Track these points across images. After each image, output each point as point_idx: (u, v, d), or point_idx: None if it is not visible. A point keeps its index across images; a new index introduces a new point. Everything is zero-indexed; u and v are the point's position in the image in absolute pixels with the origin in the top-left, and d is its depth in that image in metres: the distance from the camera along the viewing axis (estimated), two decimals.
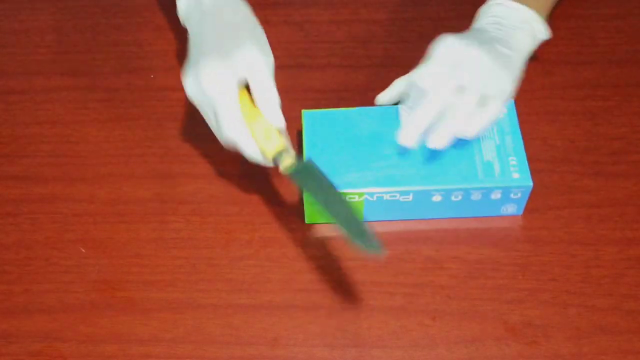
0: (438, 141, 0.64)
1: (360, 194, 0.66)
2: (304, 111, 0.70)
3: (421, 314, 0.65)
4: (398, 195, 0.66)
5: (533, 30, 0.71)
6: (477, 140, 0.68)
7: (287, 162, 0.61)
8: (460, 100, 0.64)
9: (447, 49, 0.66)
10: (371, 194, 0.66)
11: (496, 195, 0.67)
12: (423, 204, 0.67)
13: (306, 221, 0.70)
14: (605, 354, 0.63)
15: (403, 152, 0.67)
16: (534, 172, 0.73)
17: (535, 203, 0.70)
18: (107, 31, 0.86)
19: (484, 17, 0.72)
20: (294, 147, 0.72)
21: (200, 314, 0.66)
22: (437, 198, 0.67)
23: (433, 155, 0.67)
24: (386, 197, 0.66)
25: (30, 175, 0.74)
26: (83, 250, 0.69)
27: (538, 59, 0.81)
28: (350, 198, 0.66)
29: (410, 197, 0.66)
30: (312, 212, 0.68)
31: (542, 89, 0.79)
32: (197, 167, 0.74)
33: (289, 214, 0.71)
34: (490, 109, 0.65)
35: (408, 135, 0.64)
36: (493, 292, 0.66)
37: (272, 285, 0.67)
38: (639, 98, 0.78)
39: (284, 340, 0.64)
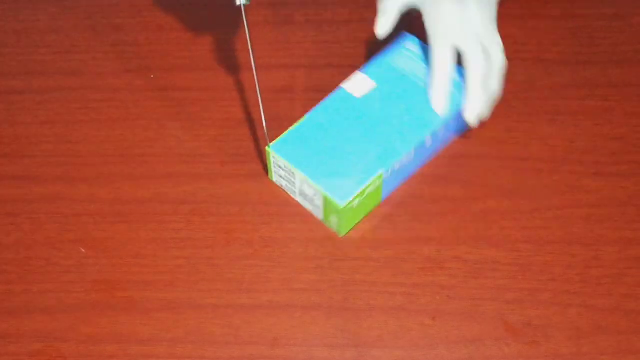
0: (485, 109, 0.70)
1: (379, 176, 0.67)
2: (269, 147, 0.69)
3: (421, 314, 0.65)
4: (403, 158, 0.69)
5: None
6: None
7: None
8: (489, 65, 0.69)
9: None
10: (387, 170, 0.68)
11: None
12: (419, 154, 0.71)
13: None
14: (605, 354, 0.63)
15: (381, 127, 0.70)
16: (534, 172, 0.73)
17: (535, 203, 0.71)
18: (107, 31, 0.86)
19: None
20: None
21: (200, 314, 0.66)
22: (428, 142, 0.70)
23: (404, 112, 0.71)
24: (397, 166, 0.69)
25: (30, 175, 0.74)
26: (83, 250, 0.69)
27: (538, 59, 0.81)
28: (371, 185, 0.67)
29: (413, 153, 0.70)
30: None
31: (542, 89, 0.79)
32: (197, 167, 0.74)
33: (289, 214, 0.71)
34: (497, 60, 0.69)
35: (476, 108, 0.70)
36: (493, 292, 0.66)
37: (272, 285, 0.67)
38: (639, 98, 0.78)
39: (284, 340, 0.64)
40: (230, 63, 0.82)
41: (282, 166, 0.69)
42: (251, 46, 0.67)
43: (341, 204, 0.65)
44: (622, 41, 0.83)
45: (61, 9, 0.88)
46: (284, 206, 0.71)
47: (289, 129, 0.70)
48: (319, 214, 0.69)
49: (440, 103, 0.71)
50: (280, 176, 0.70)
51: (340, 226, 0.68)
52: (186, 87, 0.80)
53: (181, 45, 0.84)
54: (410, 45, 0.76)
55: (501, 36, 0.82)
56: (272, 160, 0.69)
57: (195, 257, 0.69)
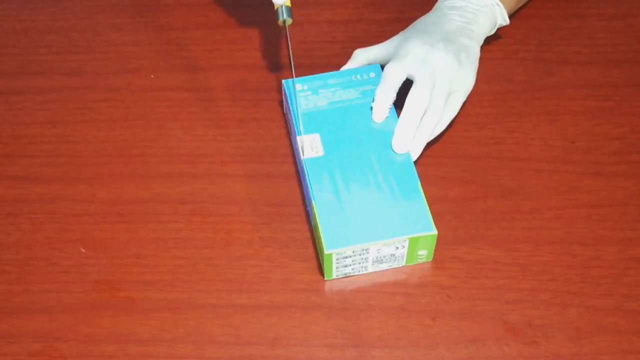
0: (419, 148, 0.69)
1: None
2: (328, 252, 0.63)
3: (421, 314, 0.65)
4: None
5: (493, 14, 0.75)
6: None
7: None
8: (432, 102, 0.69)
9: (416, 53, 0.70)
10: None
11: None
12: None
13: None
14: (605, 354, 0.63)
15: (374, 166, 0.68)
16: (534, 172, 0.73)
17: (535, 203, 0.71)
18: (107, 31, 0.86)
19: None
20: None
21: (200, 314, 0.66)
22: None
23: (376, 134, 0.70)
24: None
25: (30, 175, 0.74)
26: (83, 250, 0.69)
27: (538, 59, 0.81)
28: None
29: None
30: None
31: (542, 89, 0.79)
32: (197, 167, 0.74)
33: (290, 213, 0.71)
34: (454, 104, 0.71)
35: (402, 143, 0.69)
36: (493, 292, 0.66)
37: (272, 285, 0.67)
38: (639, 98, 0.78)
39: (284, 340, 0.64)
40: (231, 63, 0.82)
41: (351, 254, 0.64)
42: (293, 61, 0.67)
43: (433, 231, 0.64)
44: (622, 41, 0.83)
45: (61, 9, 0.88)
46: (284, 206, 0.71)
47: (320, 221, 0.64)
48: (400, 263, 0.67)
49: (380, 113, 0.70)
50: (346, 266, 0.65)
51: (430, 253, 0.67)
52: (186, 87, 0.80)
53: (181, 45, 0.84)
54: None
55: (501, 36, 0.82)
56: (334, 259, 0.64)
57: (195, 257, 0.69)
